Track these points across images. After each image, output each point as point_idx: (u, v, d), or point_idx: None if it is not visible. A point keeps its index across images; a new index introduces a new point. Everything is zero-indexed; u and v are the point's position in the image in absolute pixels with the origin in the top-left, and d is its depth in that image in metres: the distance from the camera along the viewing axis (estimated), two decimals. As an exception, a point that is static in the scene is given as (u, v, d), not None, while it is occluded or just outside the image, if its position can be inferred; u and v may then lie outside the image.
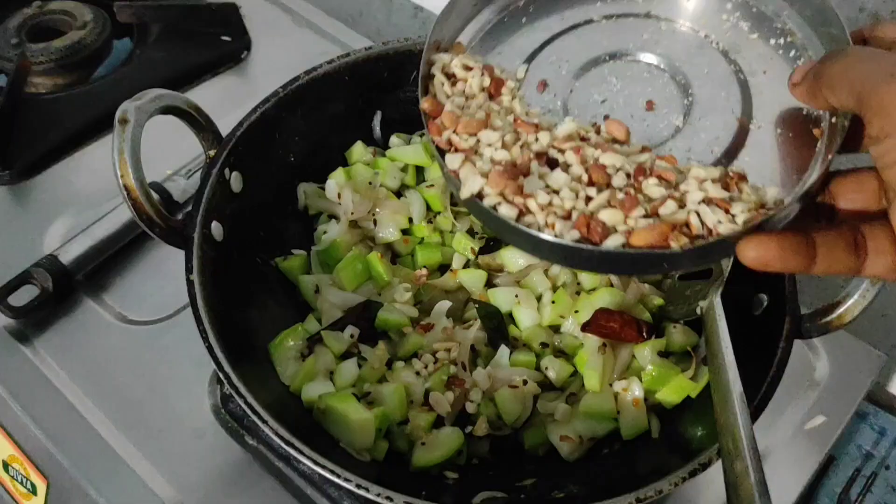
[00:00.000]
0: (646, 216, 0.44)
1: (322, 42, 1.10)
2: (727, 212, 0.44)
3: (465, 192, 0.46)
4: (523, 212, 0.45)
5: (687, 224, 0.44)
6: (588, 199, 0.46)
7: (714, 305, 0.59)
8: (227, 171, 0.67)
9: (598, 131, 0.50)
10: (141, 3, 1.08)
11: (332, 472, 0.53)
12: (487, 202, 0.46)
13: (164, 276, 0.82)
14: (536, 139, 0.49)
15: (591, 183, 0.46)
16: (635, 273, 0.68)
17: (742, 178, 0.47)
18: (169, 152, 0.87)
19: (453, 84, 0.53)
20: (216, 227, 0.65)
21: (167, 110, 0.64)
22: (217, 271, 0.63)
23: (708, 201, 0.44)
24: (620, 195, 0.45)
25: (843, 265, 0.42)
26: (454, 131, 0.49)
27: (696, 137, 0.50)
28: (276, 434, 0.54)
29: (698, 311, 0.63)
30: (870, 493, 0.79)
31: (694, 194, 0.45)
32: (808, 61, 0.48)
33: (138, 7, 1.06)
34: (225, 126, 0.69)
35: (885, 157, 0.40)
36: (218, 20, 1.07)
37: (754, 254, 0.41)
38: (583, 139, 0.49)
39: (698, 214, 0.44)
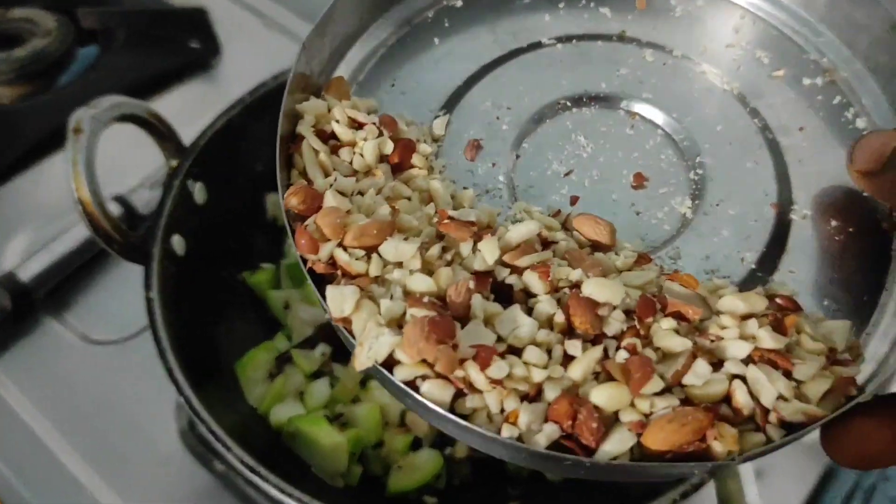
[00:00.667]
0: (664, 391, 0.28)
1: (294, 46, 1.04)
2: (789, 376, 0.29)
3: (364, 361, 0.28)
4: (462, 391, 0.27)
5: (727, 399, 0.28)
6: (567, 358, 0.28)
7: None
8: (189, 182, 0.65)
9: (564, 224, 0.34)
10: (106, 8, 1.05)
11: (300, 501, 0.50)
12: (401, 376, 0.27)
13: (128, 293, 0.78)
14: (475, 251, 0.30)
15: (569, 331, 0.29)
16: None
17: (794, 306, 0.30)
18: (134, 163, 0.83)
19: (334, 150, 0.34)
20: (178, 242, 0.63)
21: (125, 118, 0.61)
22: (180, 287, 0.61)
23: (759, 359, 0.29)
24: (621, 354, 0.28)
25: None
26: (340, 244, 0.30)
27: (715, 236, 0.34)
28: (241, 461, 0.51)
29: None
30: (868, 505, 0.77)
31: (733, 346, 0.29)
32: (874, 132, 0.31)
33: (103, 12, 1.03)
34: (195, 134, 0.66)
35: None
36: (186, 25, 1.03)
37: (853, 448, 0.28)
38: (546, 245, 0.32)
39: (745, 384, 0.28)
